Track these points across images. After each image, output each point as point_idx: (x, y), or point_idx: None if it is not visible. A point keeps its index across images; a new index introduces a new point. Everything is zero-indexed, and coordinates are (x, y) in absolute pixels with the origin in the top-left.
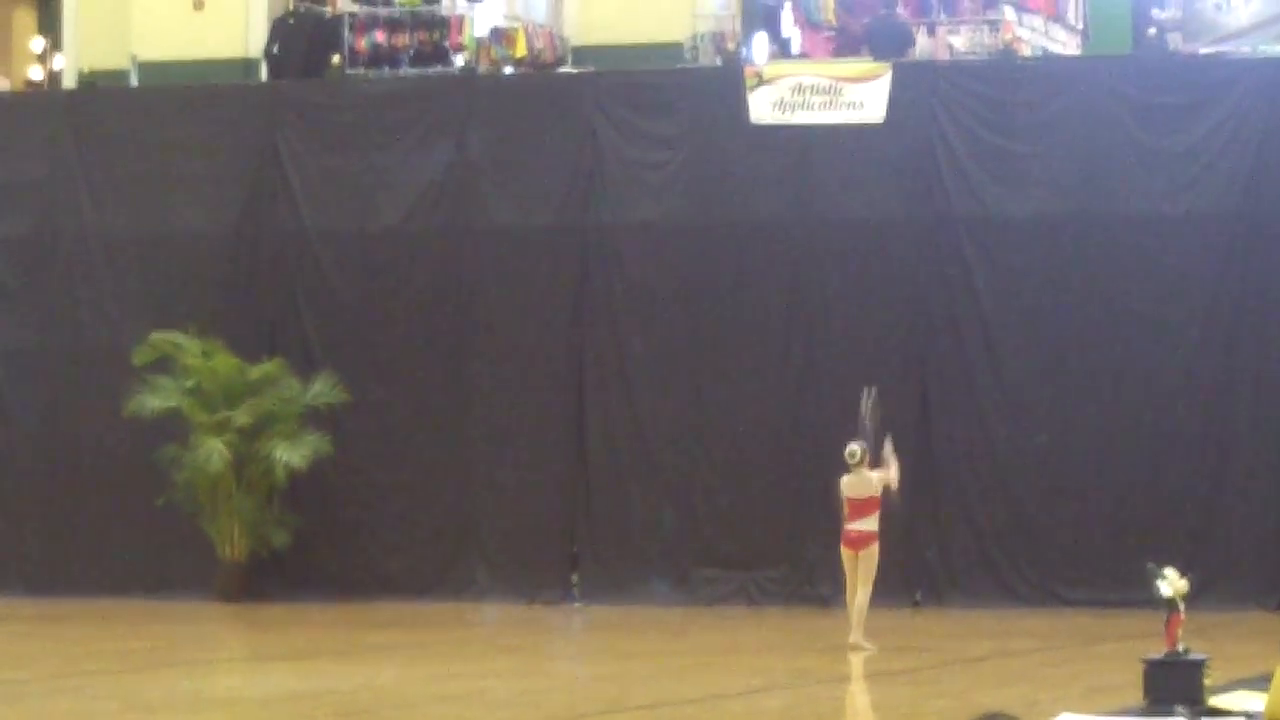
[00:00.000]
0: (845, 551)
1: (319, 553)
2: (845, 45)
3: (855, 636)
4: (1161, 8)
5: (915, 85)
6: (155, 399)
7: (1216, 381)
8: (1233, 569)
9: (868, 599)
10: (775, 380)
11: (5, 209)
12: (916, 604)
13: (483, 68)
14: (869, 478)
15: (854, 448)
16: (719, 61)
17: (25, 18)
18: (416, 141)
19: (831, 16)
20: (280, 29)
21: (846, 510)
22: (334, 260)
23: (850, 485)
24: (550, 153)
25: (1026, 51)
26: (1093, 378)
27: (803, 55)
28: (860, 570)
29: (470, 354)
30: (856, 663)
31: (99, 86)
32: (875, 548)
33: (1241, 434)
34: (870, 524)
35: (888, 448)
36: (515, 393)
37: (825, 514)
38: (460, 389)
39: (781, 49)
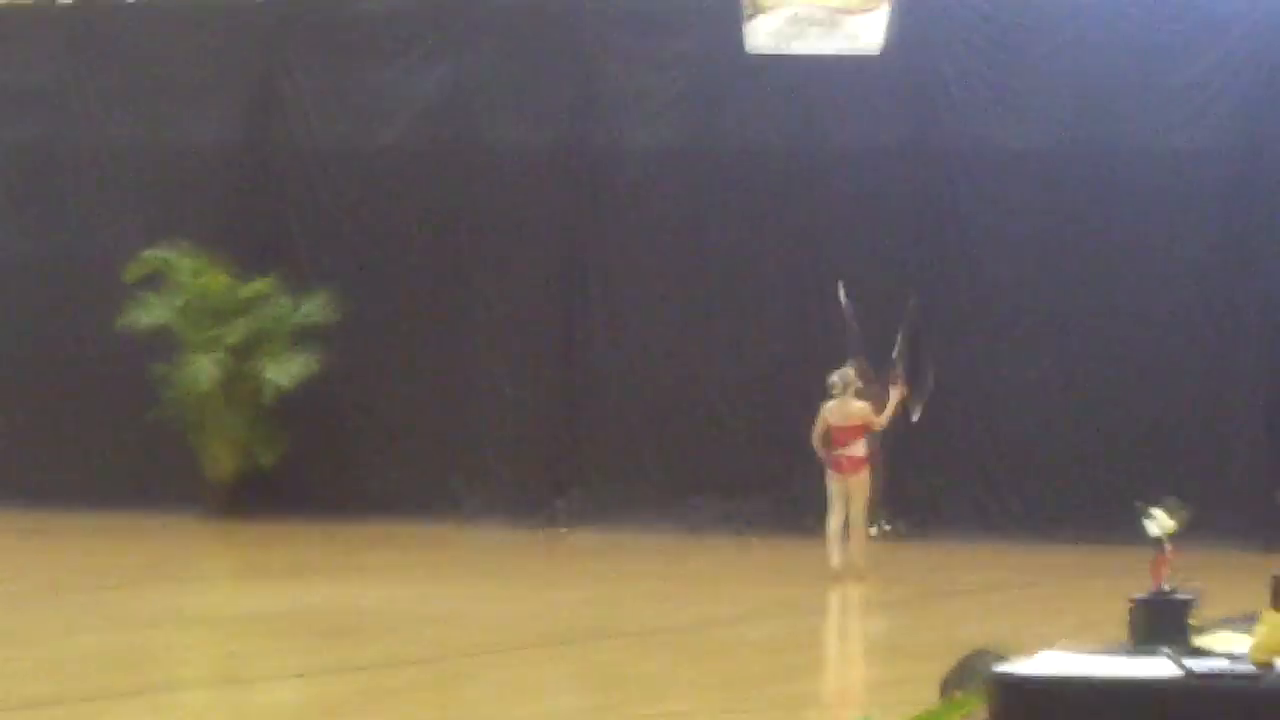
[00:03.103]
0: (834, 476)
1: (307, 472)
2: None
3: (858, 564)
4: None
5: (913, 17)
6: (146, 315)
7: (1212, 320)
8: (1221, 509)
9: (865, 526)
10: (769, 308)
11: (6, 118)
12: (897, 532)
13: None
14: (853, 406)
15: (835, 380)
16: None
17: None
18: (417, 60)
19: None
20: None
21: (832, 437)
22: (329, 178)
23: (834, 412)
24: (549, 75)
25: None
26: (1087, 312)
27: None
28: (851, 498)
29: (464, 275)
30: (841, 593)
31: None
32: (866, 474)
33: (1235, 373)
34: (859, 449)
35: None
36: (507, 315)
37: (812, 445)
38: (452, 311)
39: None
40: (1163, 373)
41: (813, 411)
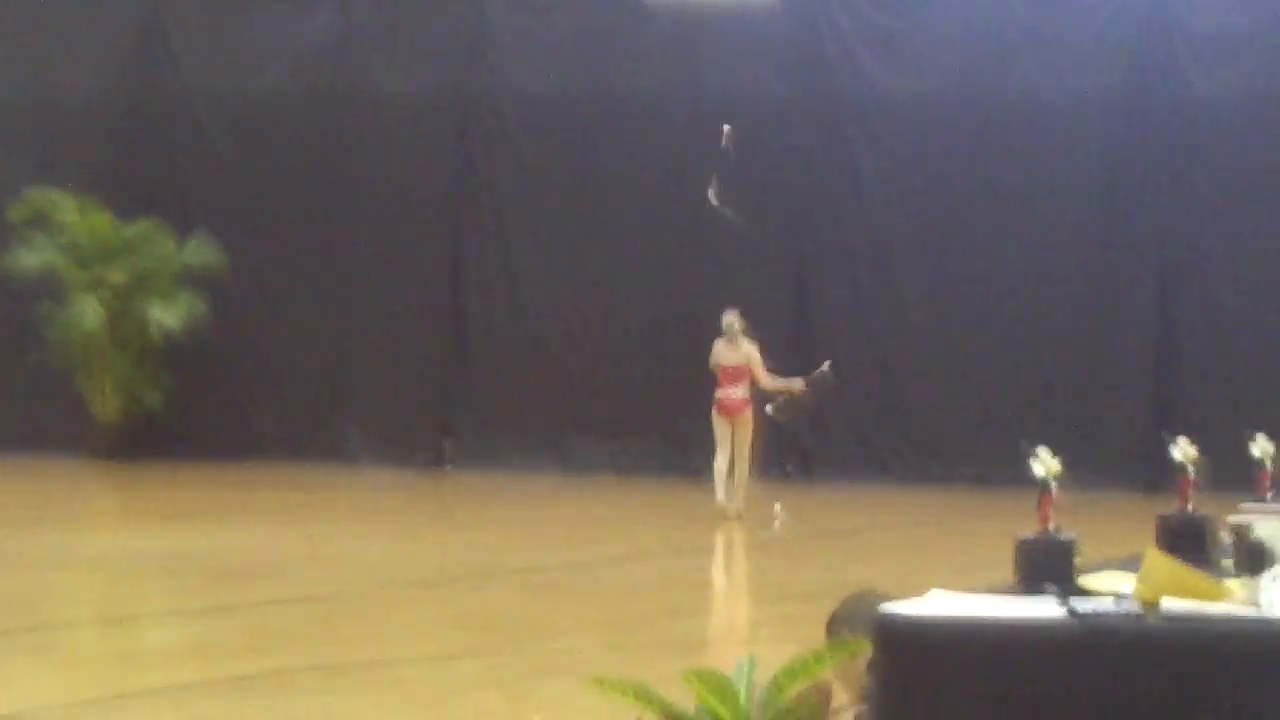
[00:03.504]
0: (719, 418)
1: (192, 413)
2: None
3: (738, 505)
4: None
5: None
6: (30, 256)
7: (1099, 266)
8: (1103, 450)
9: (748, 468)
10: (655, 254)
11: None
12: (787, 475)
13: None
14: (742, 348)
15: (730, 318)
16: None
17: None
18: (300, 4)
19: None
20: None
21: (719, 378)
22: (213, 122)
23: (723, 353)
24: (435, 19)
25: None
26: (973, 259)
27: None
28: (736, 438)
29: (349, 218)
30: (726, 533)
31: None
32: (749, 414)
33: (1121, 318)
34: (743, 390)
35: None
36: (393, 258)
37: (699, 387)
38: (338, 253)
39: None
40: (1050, 317)
41: (699, 355)
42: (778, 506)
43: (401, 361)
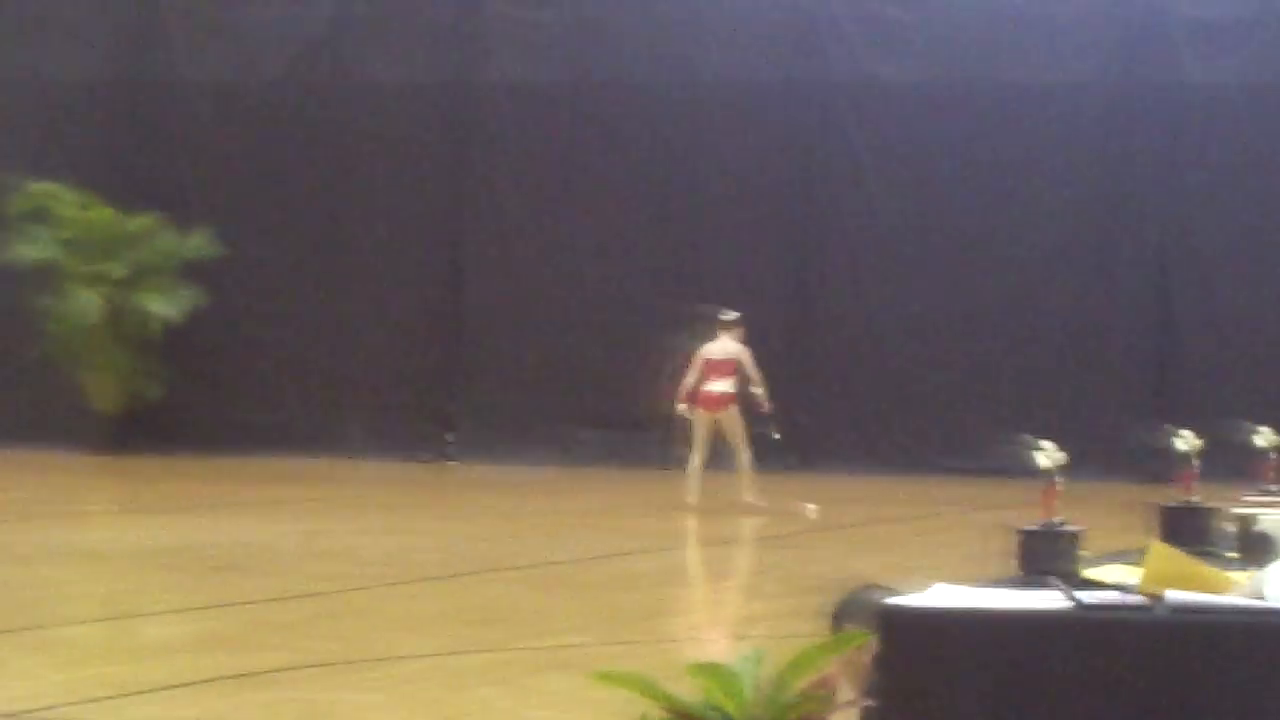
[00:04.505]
0: (699, 414)
1: (193, 407)
2: None
3: (750, 496)
4: None
5: None
6: (31, 249)
7: (1094, 252)
8: (1104, 441)
9: (749, 458)
10: (654, 242)
11: None
12: (788, 467)
13: None
14: (734, 346)
15: (729, 315)
16: None
17: None
18: None
19: None
20: None
21: (704, 372)
22: (213, 112)
23: (712, 349)
24: (432, 8)
25: None
26: (970, 247)
27: None
28: (727, 432)
29: (348, 210)
30: (731, 526)
31: None
32: (735, 409)
33: (1118, 306)
34: (728, 385)
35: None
36: (392, 250)
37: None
38: (337, 245)
39: None
40: (1046, 306)
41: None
42: (810, 506)
43: (402, 353)
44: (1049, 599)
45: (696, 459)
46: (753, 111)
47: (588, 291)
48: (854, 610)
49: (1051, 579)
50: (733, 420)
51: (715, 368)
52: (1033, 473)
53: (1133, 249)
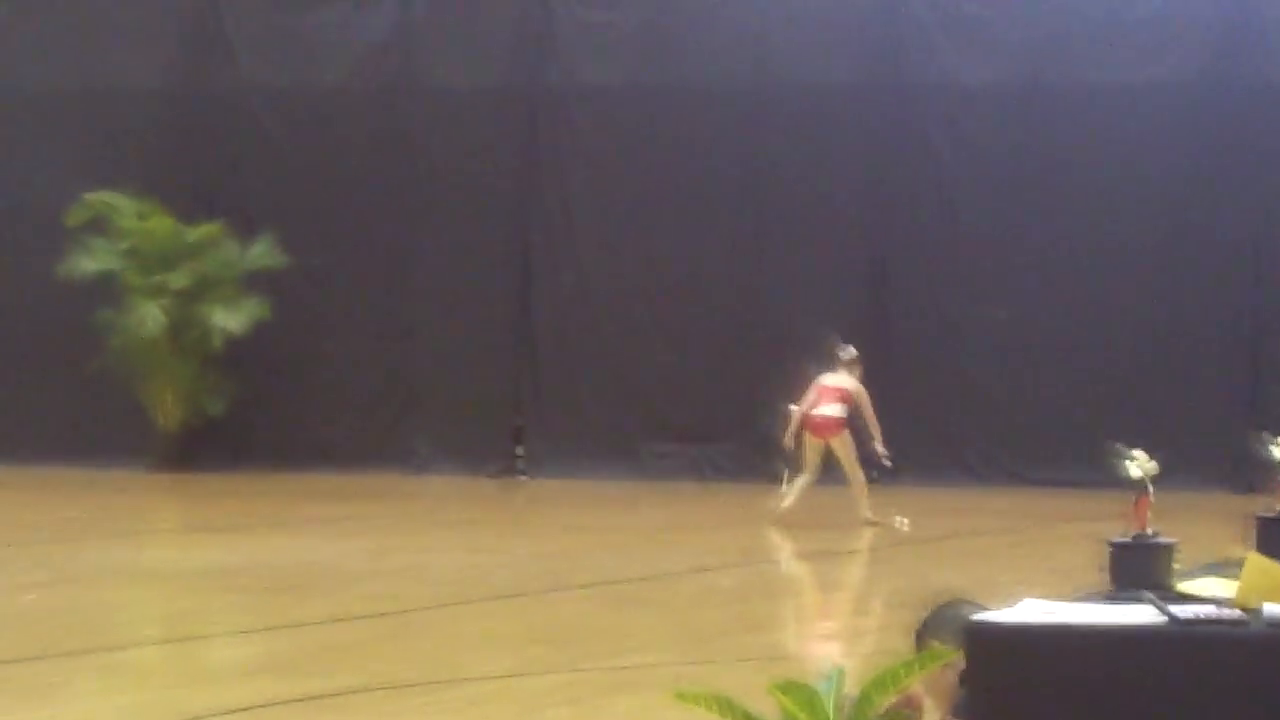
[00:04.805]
0: (811, 440)
1: (256, 421)
2: None
3: (865, 512)
4: None
5: None
6: (90, 261)
7: (1181, 256)
8: (1195, 449)
9: (862, 479)
10: (729, 249)
11: None
12: (872, 479)
13: None
14: (850, 381)
15: (845, 354)
16: None
17: None
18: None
19: None
20: None
21: (815, 395)
22: (276, 119)
23: (829, 378)
24: (499, 11)
25: None
26: (1054, 250)
27: None
28: (839, 457)
29: (414, 218)
30: (812, 540)
31: None
32: (846, 434)
33: (1211, 309)
34: (837, 410)
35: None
36: (460, 259)
37: (780, 387)
38: (403, 254)
39: None
40: (1137, 311)
41: (776, 353)
42: (901, 519)
43: (471, 364)
44: (1141, 614)
45: (806, 478)
46: (830, 115)
47: (662, 300)
48: (940, 626)
49: (1144, 593)
50: (843, 445)
51: (827, 392)
52: (1124, 483)
53: (1225, 250)
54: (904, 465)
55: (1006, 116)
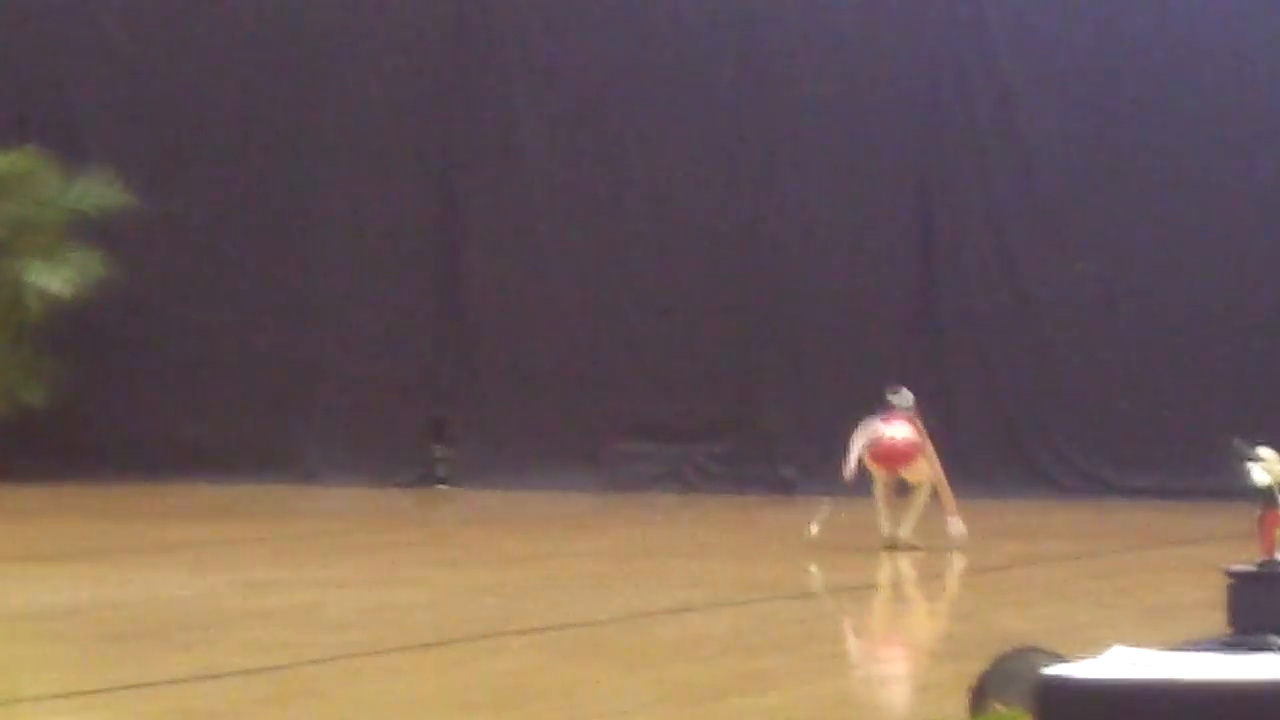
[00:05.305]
0: (877, 469)
1: (92, 416)
2: None
3: (905, 531)
4: None
5: None
6: None
7: None
8: None
9: (925, 500)
10: (724, 189)
11: None
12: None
13: None
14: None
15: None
16: None
17: None
18: None
19: None
20: None
21: (882, 415)
22: (115, 14)
23: (879, 426)
24: None
25: None
26: (1152, 191)
27: None
28: (913, 481)
29: (307, 150)
30: (839, 571)
31: None
32: (921, 463)
33: None
34: (907, 431)
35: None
36: (369, 207)
37: (791, 369)
38: (292, 196)
39: None
40: (1246, 298)
41: (786, 326)
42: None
43: (381, 347)
44: (1268, 666)
45: (879, 491)
46: (861, 27)
47: (633, 256)
48: (1004, 683)
49: (1273, 639)
50: (916, 472)
51: (893, 413)
52: (1246, 492)
53: None
54: (959, 471)
55: (1089, 21)
